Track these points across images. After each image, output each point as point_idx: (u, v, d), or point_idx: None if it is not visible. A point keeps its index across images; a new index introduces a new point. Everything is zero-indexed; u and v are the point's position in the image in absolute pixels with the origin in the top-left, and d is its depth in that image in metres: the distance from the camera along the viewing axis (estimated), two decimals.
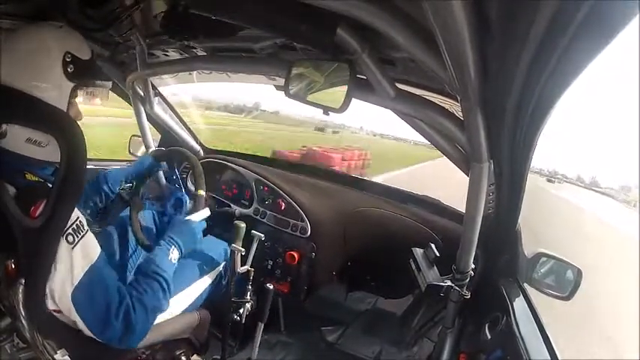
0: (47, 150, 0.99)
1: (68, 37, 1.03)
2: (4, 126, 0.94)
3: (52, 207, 0.86)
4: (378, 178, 8.61)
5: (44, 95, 0.96)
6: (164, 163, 1.59)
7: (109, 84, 1.18)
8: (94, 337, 0.96)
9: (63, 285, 0.91)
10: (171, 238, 1.21)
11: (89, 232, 0.96)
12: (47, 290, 0.92)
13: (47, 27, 1.02)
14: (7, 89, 0.93)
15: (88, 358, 1.10)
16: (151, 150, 1.67)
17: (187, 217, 1.30)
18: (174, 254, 1.19)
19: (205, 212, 1.34)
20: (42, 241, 0.88)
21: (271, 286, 1.54)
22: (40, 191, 0.91)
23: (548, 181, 51.40)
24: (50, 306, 0.94)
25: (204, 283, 1.46)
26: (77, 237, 0.92)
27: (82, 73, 1.04)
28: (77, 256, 0.92)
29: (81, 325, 0.94)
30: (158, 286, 1.08)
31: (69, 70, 1.01)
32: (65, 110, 1.03)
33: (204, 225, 1.35)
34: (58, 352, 1.02)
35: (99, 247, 0.98)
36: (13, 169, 0.96)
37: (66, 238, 0.90)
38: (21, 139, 0.96)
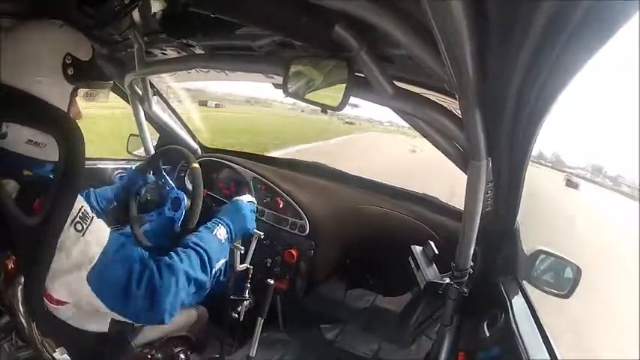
0: (46, 150, 0.99)
1: (68, 38, 1.03)
2: (4, 127, 0.94)
3: (51, 205, 0.86)
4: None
5: (45, 95, 0.96)
6: (150, 174, 1.59)
7: (110, 84, 1.17)
8: (125, 319, 0.93)
9: (78, 272, 0.89)
10: (219, 219, 1.21)
11: (95, 217, 0.95)
12: (58, 281, 0.90)
13: (47, 27, 1.01)
14: (6, 88, 0.93)
15: (88, 357, 1.10)
16: (136, 165, 1.67)
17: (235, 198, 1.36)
18: (220, 231, 1.16)
19: (250, 196, 1.42)
20: (41, 238, 0.88)
21: (272, 282, 1.54)
22: (42, 187, 0.92)
23: (569, 184, 32.31)
24: (66, 299, 0.93)
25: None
26: (85, 224, 0.91)
27: (82, 75, 1.03)
28: (89, 241, 0.91)
29: (103, 308, 0.91)
30: (195, 255, 1.02)
31: (69, 72, 1.00)
32: (66, 110, 1.03)
33: (254, 208, 1.40)
34: (57, 350, 1.02)
35: (107, 229, 0.97)
36: (12, 166, 0.96)
37: (74, 227, 0.89)
38: (21, 141, 0.96)
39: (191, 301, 1.00)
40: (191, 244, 1.04)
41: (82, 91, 1.07)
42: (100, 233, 0.94)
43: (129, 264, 0.92)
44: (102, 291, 0.90)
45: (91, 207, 1.45)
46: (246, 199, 1.38)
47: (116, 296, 0.90)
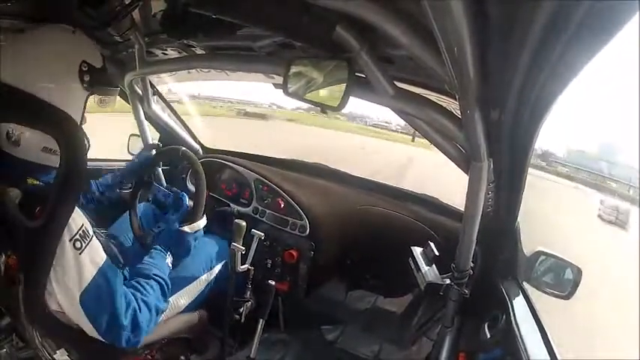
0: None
1: (83, 45, 1.03)
2: (16, 133, 0.94)
3: (52, 207, 0.86)
4: None
5: (57, 102, 0.96)
6: (159, 163, 1.62)
7: (117, 90, 1.18)
8: (99, 339, 0.96)
9: (71, 290, 0.91)
10: (167, 247, 1.25)
11: (94, 237, 0.97)
12: (53, 293, 0.92)
13: (60, 32, 1.00)
14: (10, 89, 0.92)
15: (88, 358, 1.10)
16: (145, 148, 1.69)
17: (182, 227, 1.30)
18: (169, 259, 1.23)
19: (202, 223, 1.36)
20: (42, 241, 0.88)
21: (273, 283, 1.54)
22: (44, 195, 0.92)
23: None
24: (54, 307, 0.94)
25: (203, 282, 1.47)
26: (84, 243, 0.93)
27: (97, 82, 1.04)
28: (85, 262, 0.93)
29: (87, 327, 0.95)
30: (159, 288, 1.12)
31: (85, 79, 1.00)
32: (80, 117, 1.04)
33: (201, 234, 1.37)
34: (57, 351, 1.02)
35: (104, 252, 1.00)
36: (17, 174, 0.96)
37: (73, 245, 0.91)
38: (37, 148, 0.97)
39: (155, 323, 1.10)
40: (153, 277, 1.13)
41: (91, 98, 1.07)
42: (96, 254, 0.96)
43: (116, 295, 0.97)
44: (92, 315, 0.94)
45: (92, 195, 1.48)
46: (193, 228, 1.32)
47: (105, 323, 0.95)
